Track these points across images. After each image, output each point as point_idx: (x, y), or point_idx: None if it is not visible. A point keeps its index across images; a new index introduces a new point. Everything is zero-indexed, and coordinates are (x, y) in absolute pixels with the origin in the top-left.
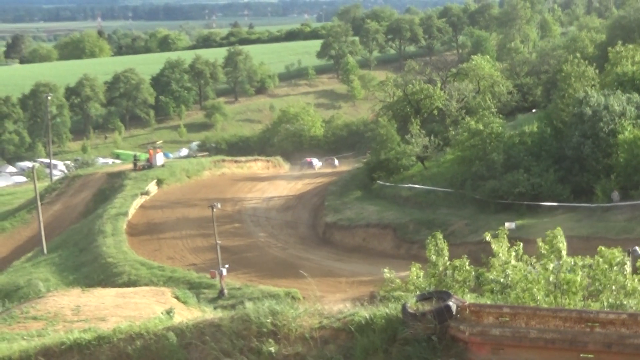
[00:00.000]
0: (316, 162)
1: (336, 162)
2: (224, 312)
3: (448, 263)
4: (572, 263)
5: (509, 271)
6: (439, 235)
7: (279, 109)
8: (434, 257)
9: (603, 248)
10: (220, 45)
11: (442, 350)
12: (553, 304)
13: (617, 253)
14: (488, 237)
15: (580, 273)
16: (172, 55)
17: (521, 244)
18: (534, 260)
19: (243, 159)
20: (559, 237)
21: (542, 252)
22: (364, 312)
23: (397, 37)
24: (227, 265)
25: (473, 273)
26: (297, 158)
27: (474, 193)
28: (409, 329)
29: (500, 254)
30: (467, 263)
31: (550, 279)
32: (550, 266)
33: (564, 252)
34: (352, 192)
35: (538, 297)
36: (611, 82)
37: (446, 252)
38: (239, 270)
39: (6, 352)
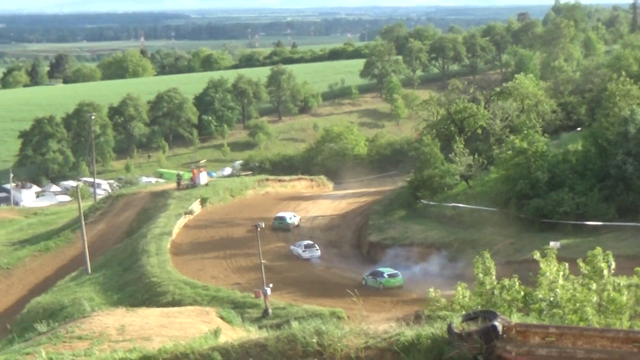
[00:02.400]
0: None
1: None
2: (269, 332)
3: (495, 282)
4: (618, 283)
5: (558, 290)
6: (487, 254)
7: (322, 128)
8: (481, 276)
9: None
10: (263, 64)
11: None
12: (601, 323)
13: None
14: (537, 256)
15: (626, 293)
16: (215, 75)
17: (567, 264)
18: (580, 280)
19: (287, 178)
20: (599, 257)
21: (584, 272)
22: (410, 332)
23: (440, 56)
24: (271, 285)
25: (522, 293)
26: (341, 177)
27: (519, 212)
28: (454, 349)
29: (548, 273)
30: (517, 283)
31: (594, 299)
32: (594, 286)
33: (605, 272)
34: (396, 212)
35: (590, 317)
36: None
37: (494, 271)
38: (283, 289)
39: None
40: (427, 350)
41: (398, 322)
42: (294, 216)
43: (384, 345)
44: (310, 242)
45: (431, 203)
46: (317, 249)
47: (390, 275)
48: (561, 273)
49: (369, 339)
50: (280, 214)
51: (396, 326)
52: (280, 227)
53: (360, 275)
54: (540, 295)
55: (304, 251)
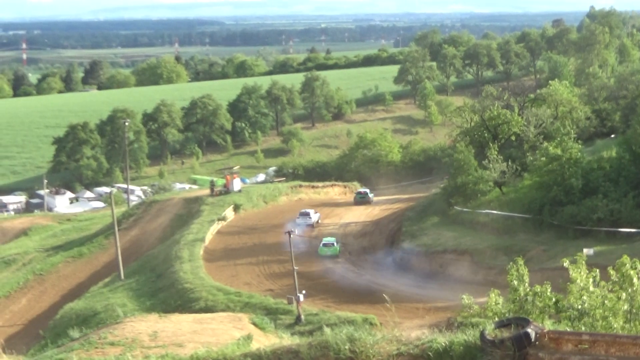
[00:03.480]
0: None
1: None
2: (302, 338)
3: (529, 289)
4: None
5: (585, 297)
6: (521, 261)
7: (356, 135)
8: (515, 283)
9: None
10: (297, 70)
11: None
12: (632, 331)
13: None
14: (566, 264)
15: None
16: (249, 81)
17: (597, 270)
18: (610, 287)
19: (320, 184)
20: (628, 265)
21: (613, 280)
22: (442, 339)
23: (474, 62)
24: (304, 291)
25: (553, 299)
26: (374, 184)
27: (552, 219)
28: (487, 356)
29: (579, 280)
30: (549, 290)
31: (624, 307)
32: (623, 295)
33: (635, 280)
34: (429, 218)
35: (615, 326)
36: None
37: (527, 278)
38: (316, 296)
39: None
40: (460, 357)
41: (430, 329)
42: (371, 192)
43: (417, 352)
44: (308, 210)
45: (464, 210)
46: (309, 217)
47: (324, 245)
48: (591, 280)
49: (402, 346)
50: (361, 190)
51: (428, 333)
52: (362, 201)
53: (394, 282)
54: (567, 303)
55: (297, 218)
